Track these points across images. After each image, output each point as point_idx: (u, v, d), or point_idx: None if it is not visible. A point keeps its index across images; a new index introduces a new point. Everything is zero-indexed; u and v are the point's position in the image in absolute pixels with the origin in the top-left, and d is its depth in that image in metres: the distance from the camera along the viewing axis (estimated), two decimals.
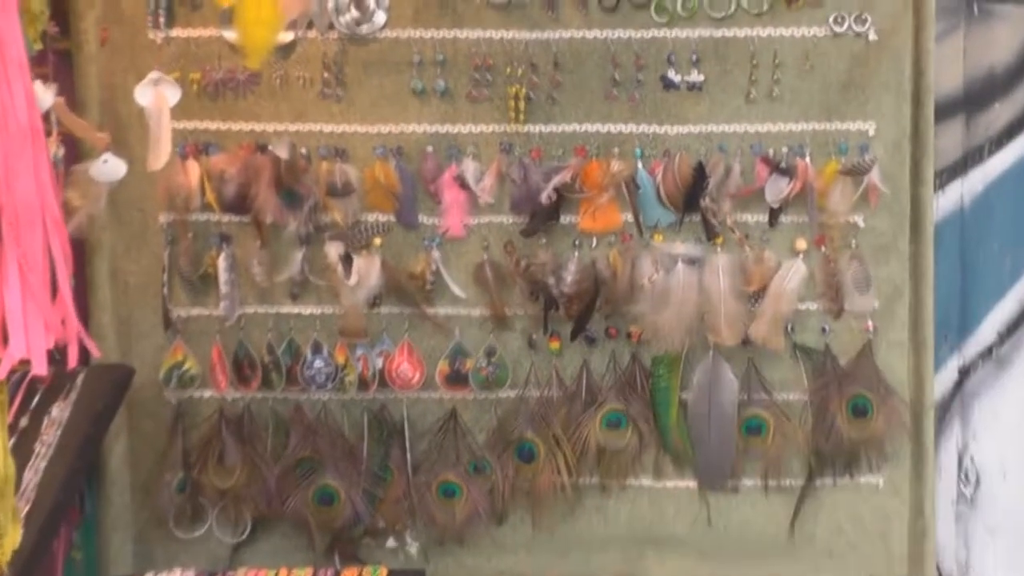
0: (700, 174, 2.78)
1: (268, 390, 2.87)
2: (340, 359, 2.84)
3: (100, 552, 2.91)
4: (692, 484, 2.93)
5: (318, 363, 2.84)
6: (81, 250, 2.77)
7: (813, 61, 2.79)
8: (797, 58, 2.79)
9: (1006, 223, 2.99)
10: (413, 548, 2.93)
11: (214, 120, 2.82)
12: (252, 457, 2.86)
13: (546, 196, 2.77)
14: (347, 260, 2.79)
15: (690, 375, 2.88)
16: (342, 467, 2.86)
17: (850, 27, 2.78)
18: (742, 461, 2.91)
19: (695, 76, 2.79)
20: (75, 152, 2.58)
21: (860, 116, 2.80)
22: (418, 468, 2.89)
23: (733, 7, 2.78)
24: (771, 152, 2.80)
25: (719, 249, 2.82)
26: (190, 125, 2.80)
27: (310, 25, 2.78)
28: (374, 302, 2.85)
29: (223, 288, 2.82)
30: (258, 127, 2.82)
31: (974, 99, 2.97)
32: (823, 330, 2.87)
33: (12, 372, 1.69)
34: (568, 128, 2.81)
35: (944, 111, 2.90)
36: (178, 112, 2.66)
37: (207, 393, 2.89)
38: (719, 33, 2.79)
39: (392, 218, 2.84)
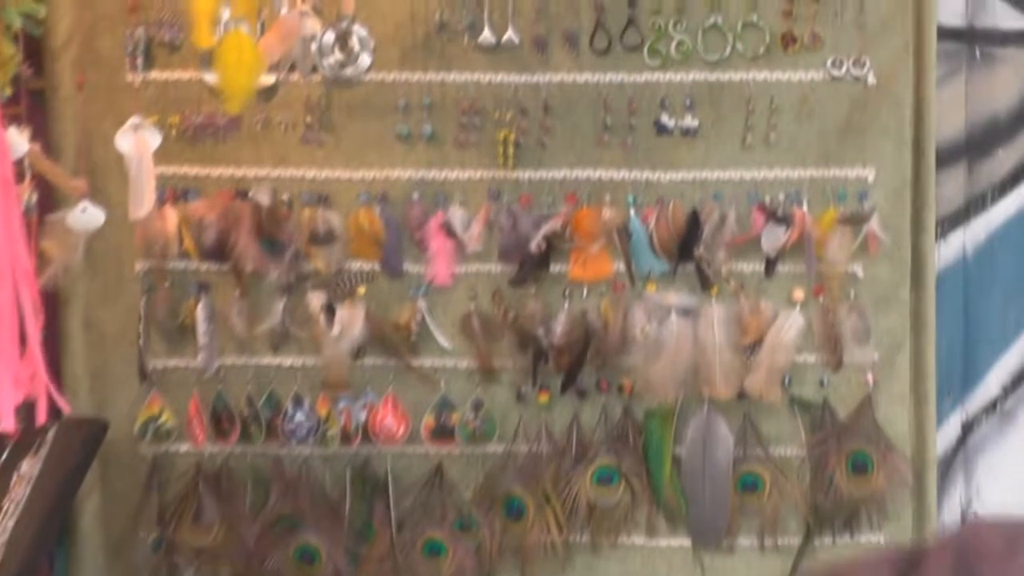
0: (694, 222, 2.74)
1: (247, 444, 2.81)
2: (322, 412, 2.79)
3: None
4: (686, 542, 2.87)
5: (299, 416, 2.79)
6: (54, 299, 2.70)
7: (811, 106, 2.74)
8: (794, 103, 2.74)
9: (1010, 273, 2.95)
10: None
11: (193, 165, 2.77)
12: (230, 514, 2.80)
13: (536, 245, 2.73)
14: (330, 310, 2.74)
15: (684, 429, 2.82)
16: (324, 524, 2.80)
17: (849, 71, 2.73)
18: (737, 519, 2.85)
19: (689, 121, 2.75)
20: (49, 197, 2.53)
21: (859, 162, 2.76)
22: (402, 525, 2.82)
23: (728, 50, 2.73)
24: (767, 199, 2.75)
25: (714, 299, 2.77)
26: (168, 170, 2.74)
27: (292, 67, 2.71)
28: (358, 353, 2.79)
29: (201, 338, 2.77)
30: (239, 172, 2.77)
31: (976, 145, 2.93)
32: (821, 383, 2.82)
33: None
34: (558, 174, 2.77)
35: (946, 157, 2.86)
36: (156, 157, 2.59)
37: (184, 447, 2.83)
38: (714, 77, 2.74)
39: (376, 266, 2.79)
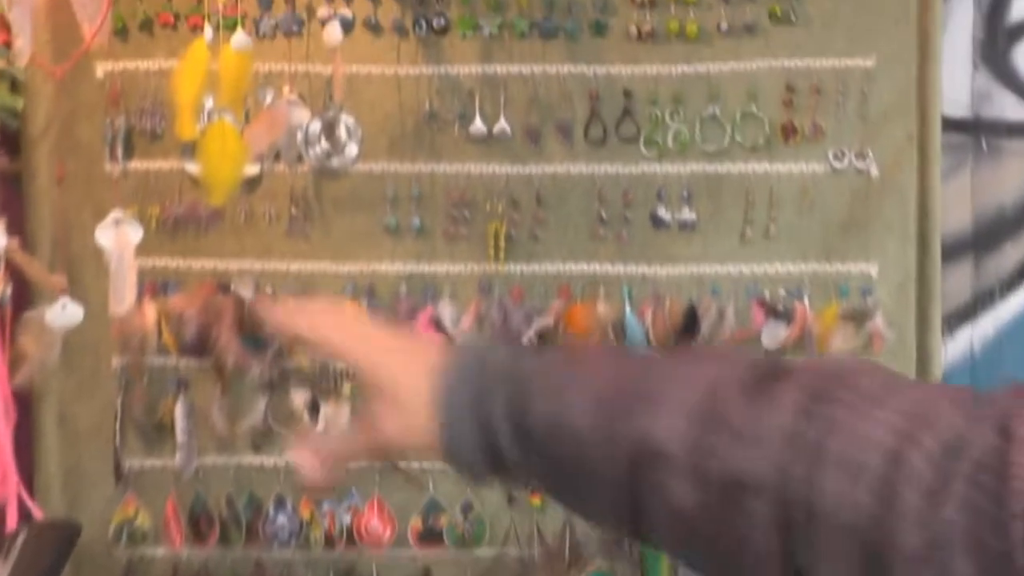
0: (692, 318, 2.64)
1: (227, 547, 2.69)
2: (305, 514, 2.68)
3: None
4: None
5: (281, 519, 2.68)
6: (28, 395, 2.61)
7: (812, 198, 2.66)
8: (795, 195, 2.66)
9: (1019, 370, 2.83)
10: None
11: (173, 257, 2.68)
12: None
13: (527, 340, 2.63)
14: (314, 408, 2.65)
15: None
16: None
17: (851, 163, 2.65)
18: None
19: (686, 214, 2.66)
20: (24, 290, 2.45)
21: (862, 257, 2.67)
22: None
23: (727, 141, 2.65)
24: (767, 295, 2.66)
25: None
26: (148, 263, 2.65)
27: (277, 157, 2.65)
28: None
29: (180, 437, 2.67)
30: (221, 265, 2.68)
31: (983, 239, 2.83)
32: None
33: None
34: (551, 268, 2.68)
35: (951, 252, 2.77)
36: (135, 249, 2.53)
37: (160, 551, 2.71)
38: (712, 168, 2.66)
39: None
